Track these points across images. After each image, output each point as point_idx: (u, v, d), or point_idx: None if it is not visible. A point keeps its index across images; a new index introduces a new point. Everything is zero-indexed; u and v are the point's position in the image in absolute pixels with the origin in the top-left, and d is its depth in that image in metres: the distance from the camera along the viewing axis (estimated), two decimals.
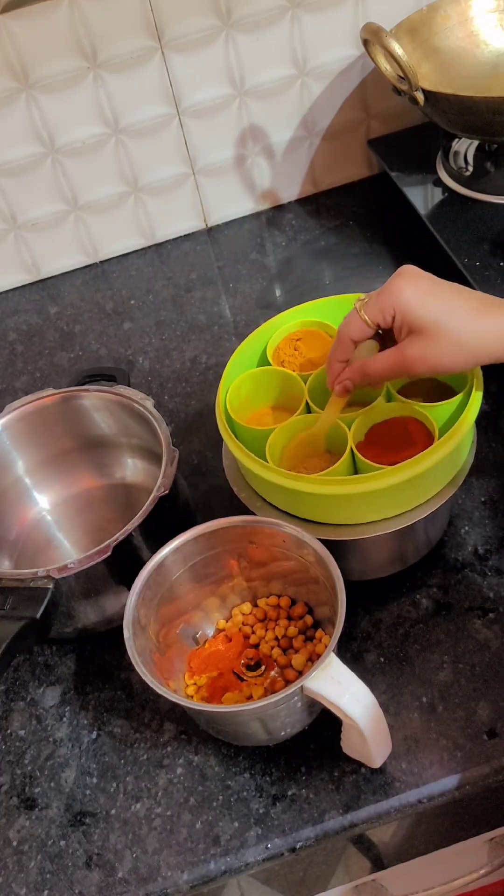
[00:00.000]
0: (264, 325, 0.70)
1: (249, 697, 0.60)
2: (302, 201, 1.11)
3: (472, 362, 0.57)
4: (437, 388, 0.65)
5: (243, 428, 0.64)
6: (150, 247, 1.10)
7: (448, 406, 0.62)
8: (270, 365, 0.69)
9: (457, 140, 0.95)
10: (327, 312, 0.70)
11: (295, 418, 0.64)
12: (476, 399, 0.61)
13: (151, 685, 0.54)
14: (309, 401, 0.65)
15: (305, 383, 0.66)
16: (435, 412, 0.62)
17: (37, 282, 1.09)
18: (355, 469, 0.62)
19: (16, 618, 0.60)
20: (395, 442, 0.62)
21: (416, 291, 0.56)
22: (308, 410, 0.65)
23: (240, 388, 0.67)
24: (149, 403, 0.71)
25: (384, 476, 0.57)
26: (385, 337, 0.60)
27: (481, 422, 0.77)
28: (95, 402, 0.75)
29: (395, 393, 0.64)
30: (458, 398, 0.62)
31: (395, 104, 1.02)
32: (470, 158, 0.93)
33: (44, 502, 0.79)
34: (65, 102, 0.94)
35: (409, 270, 0.58)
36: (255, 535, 0.62)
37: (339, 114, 1.04)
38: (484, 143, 0.92)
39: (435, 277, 0.58)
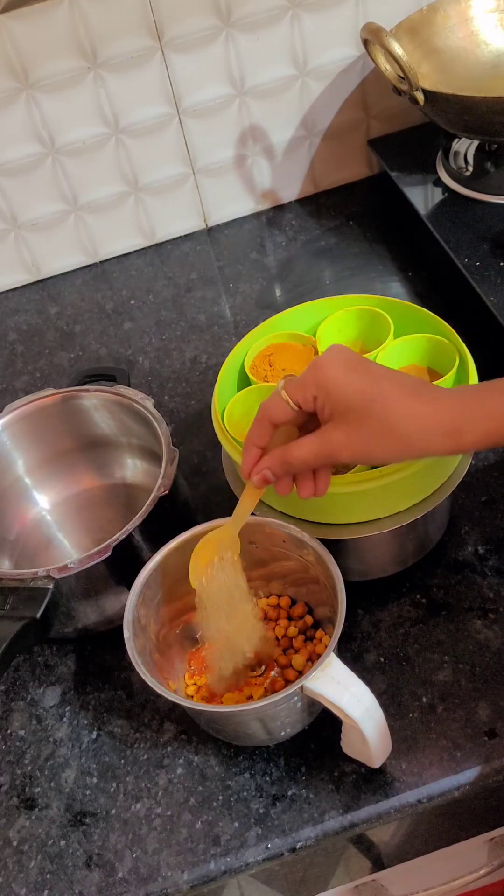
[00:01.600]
0: (265, 323, 0.70)
1: (249, 697, 0.60)
2: (302, 201, 1.11)
3: (406, 453, 0.51)
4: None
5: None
6: (150, 247, 1.10)
7: (446, 383, 0.62)
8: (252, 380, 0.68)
9: (457, 140, 0.95)
10: (298, 321, 0.70)
11: (254, 387, 0.64)
12: (473, 377, 0.61)
13: (151, 685, 0.54)
14: None
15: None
16: None
17: (37, 282, 1.09)
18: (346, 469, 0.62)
19: (16, 618, 0.60)
20: None
21: (342, 367, 0.51)
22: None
23: (233, 411, 0.66)
24: (149, 403, 0.71)
25: (380, 476, 0.57)
26: (311, 421, 0.55)
27: None
28: (95, 402, 0.75)
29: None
30: (450, 375, 0.61)
31: (395, 104, 1.02)
32: (470, 158, 0.93)
33: (44, 502, 0.79)
34: (65, 102, 0.94)
35: (336, 348, 0.53)
36: (255, 535, 0.62)
37: (339, 114, 1.04)
38: (484, 143, 0.92)
39: (361, 357, 0.53)
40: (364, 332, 0.69)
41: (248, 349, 0.69)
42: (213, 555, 0.59)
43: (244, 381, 0.69)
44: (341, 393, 0.50)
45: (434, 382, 0.63)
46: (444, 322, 0.66)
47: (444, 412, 0.49)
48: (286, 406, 0.53)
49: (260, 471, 0.55)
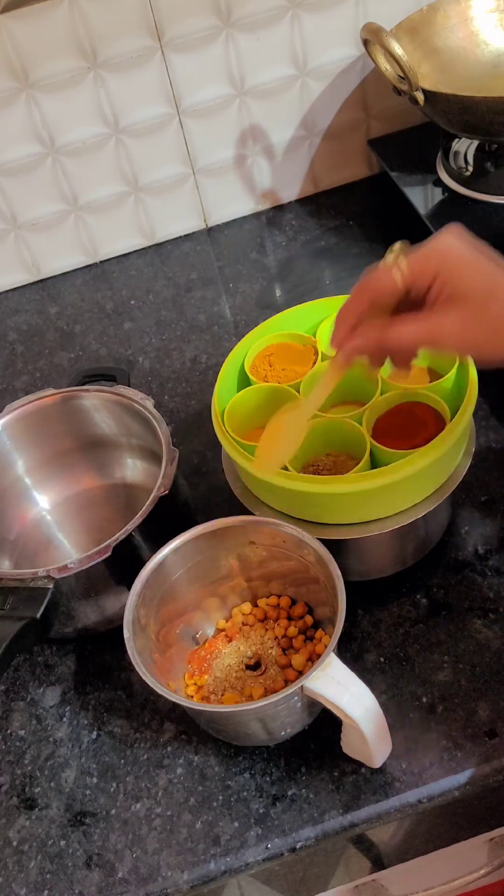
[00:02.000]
0: (265, 323, 0.70)
1: (249, 697, 0.61)
2: (302, 201, 1.11)
3: None
4: (413, 423, 0.64)
5: (245, 445, 0.64)
6: (150, 247, 1.10)
7: (447, 383, 0.61)
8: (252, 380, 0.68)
9: (457, 140, 0.95)
10: (297, 321, 0.70)
11: (262, 385, 0.65)
12: (472, 396, 0.61)
13: (151, 685, 0.54)
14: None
15: (299, 392, 0.65)
16: (439, 391, 0.61)
17: (37, 282, 1.09)
18: (373, 464, 0.62)
19: (16, 618, 0.60)
20: (405, 430, 0.61)
21: (470, 252, 0.46)
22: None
23: (233, 411, 0.66)
24: (149, 403, 0.71)
25: (380, 475, 0.57)
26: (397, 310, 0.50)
27: (481, 421, 0.77)
28: (95, 402, 0.75)
29: (393, 383, 0.63)
30: (450, 375, 0.61)
31: (395, 104, 1.02)
32: (470, 158, 0.93)
33: (44, 502, 0.79)
34: (65, 102, 0.94)
35: (457, 228, 0.47)
36: (255, 535, 0.62)
37: (339, 114, 1.04)
38: (484, 143, 0.92)
39: (482, 243, 0.48)
40: None
41: (248, 349, 0.69)
42: (281, 440, 0.55)
43: (244, 381, 0.69)
44: (467, 274, 0.46)
45: (433, 383, 0.63)
46: None
47: None
48: (394, 281, 0.47)
49: (351, 347, 0.49)
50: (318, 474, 0.63)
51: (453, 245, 0.46)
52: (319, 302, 0.70)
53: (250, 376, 0.68)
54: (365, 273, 0.49)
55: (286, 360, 0.69)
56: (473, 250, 0.46)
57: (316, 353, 0.68)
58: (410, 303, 0.49)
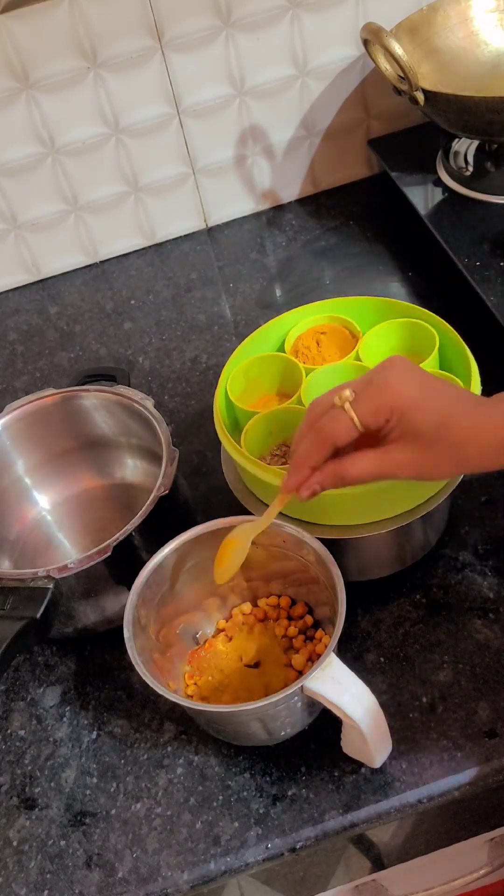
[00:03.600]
0: (265, 325, 0.70)
1: (249, 697, 0.60)
2: (302, 201, 1.11)
3: (463, 470, 0.53)
4: None
5: (242, 411, 0.65)
6: (150, 247, 1.10)
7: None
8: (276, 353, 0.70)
9: (457, 140, 0.95)
10: (351, 312, 0.71)
11: (281, 407, 0.65)
12: (476, 379, 0.61)
13: (151, 685, 0.54)
14: (302, 396, 0.65)
15: (306, 376, 0.66)
16: None
17: (37, 282, 1.09)
18: None
19: (16, 618, 0.60)
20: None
21: (416, 389, 0.50)
22: (300, 403, 0.65)
23: (246, 372, 0.68)
24: (149, 403, 0.71)
25: None
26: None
27: None
28: (95, 402, 0.75)
29: None
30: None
31: (395, 104, 1.02)
32: (470, 158, 0.93)
33: (44, 502, 0.79)
34: (65, 102, 0.94)
35: (400, 363, 0.51)
36: (256, 535, 0.62)
37: (339, 114, 1.04)
38: (484, 143, 0.92)
39: (424, 371, 0.52)
40: (408, 345, 0.69)
41: (248, 348, 0.70)
42: (231, 556, 0.60)
43: (245, 382, 0.69)
44: (416, 418, 0.49)
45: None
46: (445, 322, 0.66)
47: (501, 435, 0.49)
48: (352, 427, 0.50)
49: (311, 486, 0.53)
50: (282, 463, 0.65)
51: (403, 390, 0.50)
52: (381, 301, 0.70)
53: (287, 349, 0.69)
54: (313, 410, 0.53)
55: (332, 344, 0.70)
56: (421, 388, 0.50)
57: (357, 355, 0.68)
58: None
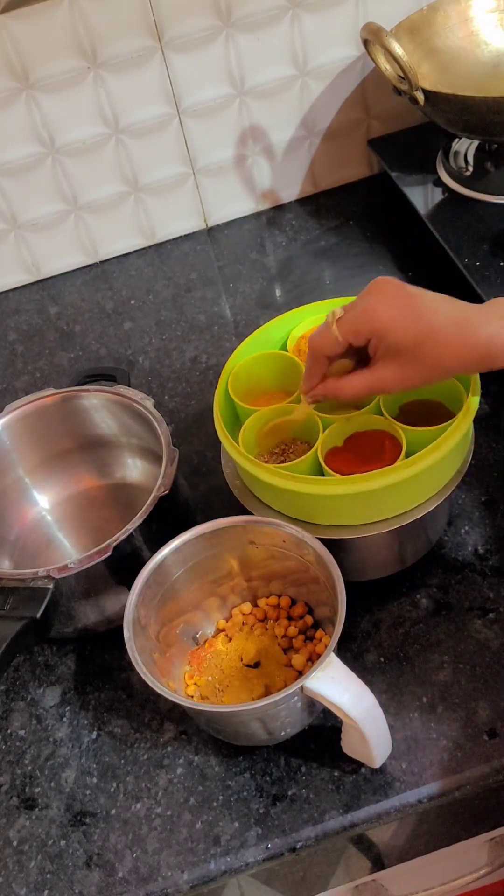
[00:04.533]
0: (264, 325, 0.70)
1: (249, 697, 0.60)
2: (302, 201, 1.11)
3: (446, 377, 0.57)
4: (436, 408, 0.65)
5: (244, 409, 0.65)
6: (150, 247, 1.10)
7: (434, 432, 0.60)
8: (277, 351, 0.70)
9: (457, 140, 0.95)
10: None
11: (272, 407, 0.65)
12: (474, 400, 0.61)
13: (151, 685, 0.54)
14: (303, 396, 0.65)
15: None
16: (417, 435, 0.61)
17: (37, 282, 1.09)
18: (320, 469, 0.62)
19: (16, 618, 0.60)
20: (367, 454, 0.61)
21: (395, 311, 0.54)
22: (299, 401, 0.65)
23: (248, 370, 0.68)
24: (149, 403, 0.71)
25: (380, 476, 0.57)
26: (356, 353, 0.59)
27: (481, 422, 0.77)
28: (95, 402, 0.75)
29: (382, 408, 0.63)
30: (443, 426, 0.60)
31: (395, 104, 1.02)
32: (470, 158, 0.93)
33: (44, 502, 0.79)
34: (65, 102, 0.94)
35: (384, 285, 0.55)
36: (255, 535, 0.62)
37: (339, 114, 1.04)
38: (484, 143, 0.92)
39: (411, 288, 0.55)
40: None
41: (248, 348, 0.69)
42: (278, 442, 0.65)
43: (246, 380, 0.69)
44: (395, 338, 0.54)
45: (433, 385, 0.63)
46: None
47: (480, 348, 0.53)
48: (336, 342, 0.56)
49: (314, 395, 0.61)
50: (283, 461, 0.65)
51: (381, 314, 0.54)
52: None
53: (289, 347, 0.70)
54: (312, 339, 0.59)
55: None
56: (400, 311, 0.54)
57: None
58: (359, 353, 0.59)
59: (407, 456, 0.60)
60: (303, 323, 0.71)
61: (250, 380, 0.68)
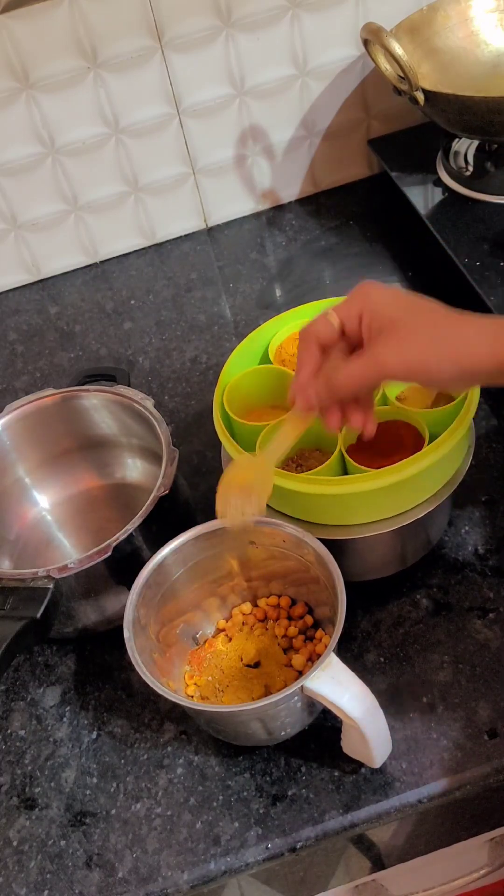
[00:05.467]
0: (264, 324, 0.70)
1: (250, 697, 0.60)
2: (302, 201, 1.11)
3: (455, 366, 0.49)
4: (437, 396, 0.65)
5: (240, 425, 0.64)
6: (150, 247, 1.10)
7: (443, 412, 0.61)
8: (271, 364, 0.69)
9: (457, 140, 0.95)
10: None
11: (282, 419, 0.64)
12: (474, 399, 0.61)
13: (151, 685, 0.54)
14: None
15: None
16: (429, 417, 0.61)
17: (37, 282, 1.09)
18: (345, 470, 0.62)
19: (16, 618, 0.60)
20: (386, 446, 0.61)
21: (385, 292, 0.52)
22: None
23: (238, 386, 0.67)
24: (149, 403, 0.71)
25: (380, 476, 0.57)
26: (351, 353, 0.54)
27: (481, 421, 0.77)
28: (95, 402, 0.75)
29: (390, 397, 0.64)
30: (452, 405, 0.61)
31: (395, 104, 1.02)
32: (470, 158, 0.93)
33: (44, 502, 0.79)
34: (65, 102, 0.94)
35: (373, 282, 0.53)
36: (255, 535, 0.62)
37: (339, 114, 1.04)
38: (484, 143, 0.92)
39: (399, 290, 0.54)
40: None
41: (276, 330, 0.69)
42: (238, 491, 0.55)
43: (261, 363, 0.69)
44: (387, 305, 0.50)
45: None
46: None
47: (485, 327, 0.49)
48: (330, 325, 0.52)
49: (306, 396, 0.52)
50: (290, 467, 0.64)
51: (370, 287, 0.52)
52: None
53: (273, 360, 0.68)
54: (304, 328, 0.54)
55: None
56: (391, 293, 0.51)
57: None
58: (353, 347, 0.53)
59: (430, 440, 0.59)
60: (279, 332, 0.70)
61: (241, 397, 0.67)
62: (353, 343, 0.53)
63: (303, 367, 0.53)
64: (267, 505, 0.64)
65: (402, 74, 0.82)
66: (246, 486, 0.55)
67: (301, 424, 0.55)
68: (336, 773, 0.59)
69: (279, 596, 0.66)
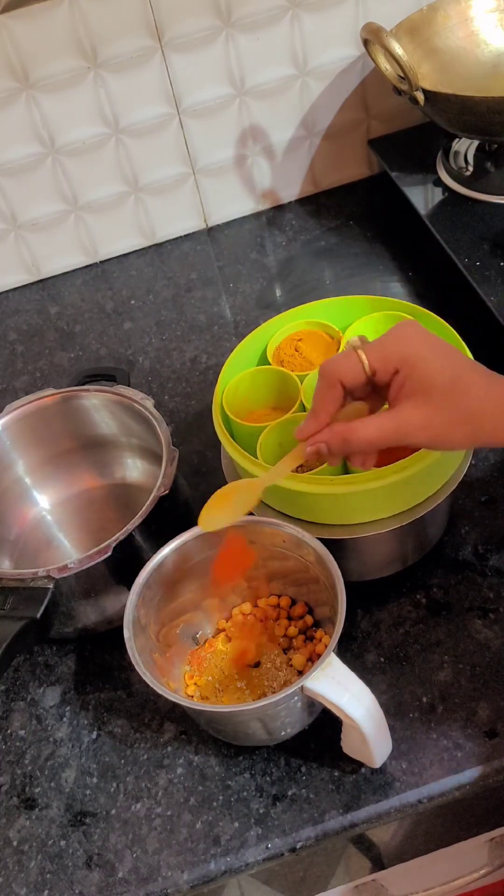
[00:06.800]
0: (263, 325, 0.70)
1: (250, 697, 0.60)
2: (302, 201, 1.11)
3: (477, 439, 0.48)
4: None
5: (240, 426, 0.64)
6: (150, 247, 1.10)
7: None
8: (269, 365, 0.69)
9: (457, 140, 0.95)
10: (329, 313, 0.70)
11: (289, 416, 0.64)
12: None
13: (151, 685, 0.54)
14: (304, 401, 0.65)
15: (301, 383, 0.66)
16: None
17: (37, 282, 1.09)
18: (345, 470, 0.62)
19: (16, 618, 0.60)
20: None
21: (426, 343, 0.48)
22: (303, 409, 0.65)
23: (238, 387, 0.67)
24: (149, 403, 0.71)
25: (380, 476, 0.57)
26: (371, 396, 0.51)
27: None
28: (95, 402, 0.75)
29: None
30: None
31: (395, 104, 1.02)
32: (470, 158, 0.93)
33: (44, 502, 0.79)
34: (65, 102, 0.94)
35: (414, 324, 0.50)
36: (255, 535, 0.62)
37: (339, 114, 1.04)
38: (484, 143, 0.92)
39: (438, 336, 0.50)
40: None
41: (274, 331, 0.69)
42: (220, 502, 0.56)
43: (260, 363, 0.69)
44: (427, 369, 0.46)
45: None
46: (445, 322, 0.66)
47: None
48: (360, 368, 0.48)
49: (315, 442, 0.50)
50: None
51: (412, 337, 0.48)
52: (355, 299, 0.70)
53: (269, 358, 0.68)
54: (327, 364, 0.50)
55: (313, 349, 0.69)
56: (433, 346, 0.47)
57: (339, 349, 0.68)
58: (373, 395, 0.51)
59: None
60: (276, 334, 0.70)
61: (240, 398, 0.67)
62: (376, 385, 0.50)
63: (321, 410, 0.50)
64: (267, 505, 0.64)
65: (402, 74, 0.82)
66: (229, 499, 0.56)
67: (303, 458, 0.53)
68: (336, 773, 0.59)
69: (279, 596, 0.66)
